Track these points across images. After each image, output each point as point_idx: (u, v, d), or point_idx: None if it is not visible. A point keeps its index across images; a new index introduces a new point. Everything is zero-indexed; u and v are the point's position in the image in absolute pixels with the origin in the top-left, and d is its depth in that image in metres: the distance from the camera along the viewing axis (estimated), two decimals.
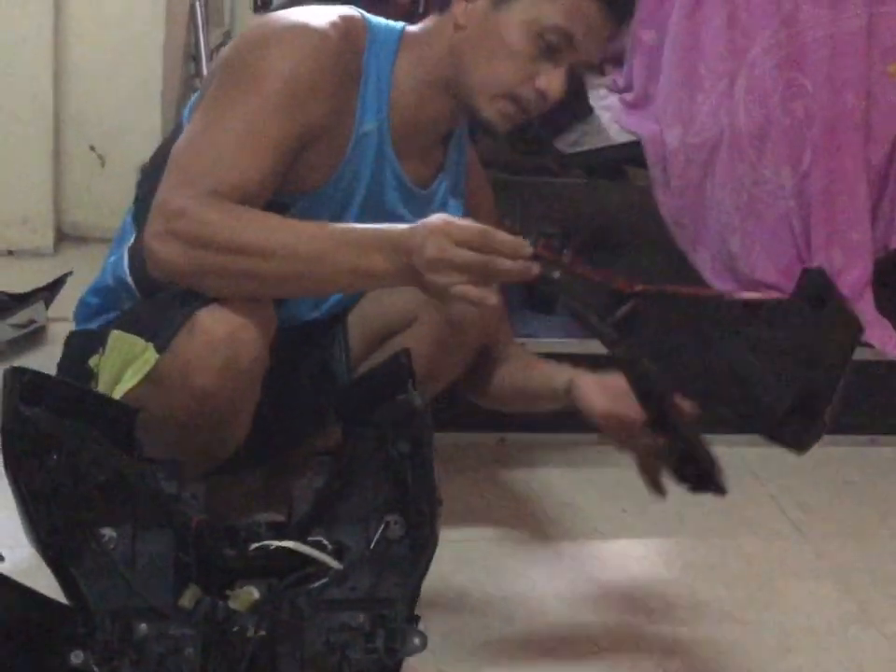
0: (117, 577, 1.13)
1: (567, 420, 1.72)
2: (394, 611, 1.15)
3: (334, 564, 1.18)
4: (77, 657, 1.09)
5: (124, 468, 1.17)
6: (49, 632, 1.13)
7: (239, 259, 1.20)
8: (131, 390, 1.30)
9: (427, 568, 1.18)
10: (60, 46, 2.30)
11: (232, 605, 1.15)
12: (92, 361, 1.40)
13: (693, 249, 2.20)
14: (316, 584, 1.16)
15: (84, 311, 1.52)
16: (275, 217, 1.23)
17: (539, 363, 1.60)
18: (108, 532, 1.15)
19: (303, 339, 1.49)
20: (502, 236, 1.16)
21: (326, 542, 1.20)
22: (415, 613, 1.16)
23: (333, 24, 1.33)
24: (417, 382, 1.42)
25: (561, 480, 1.87)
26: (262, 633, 1.11)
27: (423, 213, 1.32)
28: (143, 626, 1.11)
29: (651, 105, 2.20)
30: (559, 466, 1.92)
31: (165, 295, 1.32)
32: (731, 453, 1.96)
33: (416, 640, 1.14)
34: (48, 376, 1.19)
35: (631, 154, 2.22)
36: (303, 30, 1.30)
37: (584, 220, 2.27)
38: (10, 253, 2.38)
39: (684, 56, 2.10)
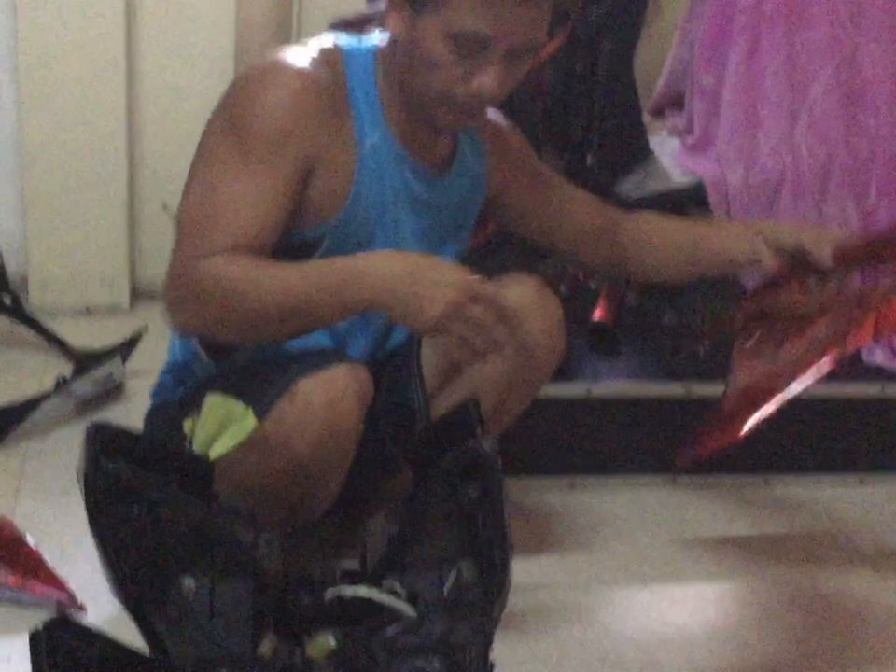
0: (197, 626, 1.15)
1: (637, 461, 1.73)
2: (468, 657, 1.15)
3: (408, 610, 1.19)
4: None
5: (203, 518, 1.20)
6: None
7: (242, 316, 1.25)
8: (226, 453, 1.34)
9: (500, 614, 1.18)
10: (133, 105, 2.37)
11: (310, 653, 1.16)
12: (187, 425, 1.44)
13: None
14: (391, 631, 1.17)
15: (161, 389, 1.57)
16: (266, 270, 1.25)
17: (701, 229, 1.62)
18: (188, 582, 1.17)
19: (377, 375, 1.51)
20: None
21: (399, 589, 1.22)
22: (489, 659, 1.17)
23: (312, 61, 1.36)
24: (492, 413, 1.45)
25: (632, 522, 1.87)
26: None
27: (455, 192, 1.47)
28: None
29: (711, 147, 2.21)
30: (629, 508, 1.91)
31: (265, 360, 1.38)
32: (804, 493, 1.97)
33: None
34: (127, 431, 1.23)
35: (694, 196, 2.22)
36: (284, 74, 1.33)
37: None
38: (88, 311, 2.44)
39: (744, 97, 2.11)
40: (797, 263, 1.49)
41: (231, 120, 1.32)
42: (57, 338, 2.20)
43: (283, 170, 1.30)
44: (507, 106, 2.13)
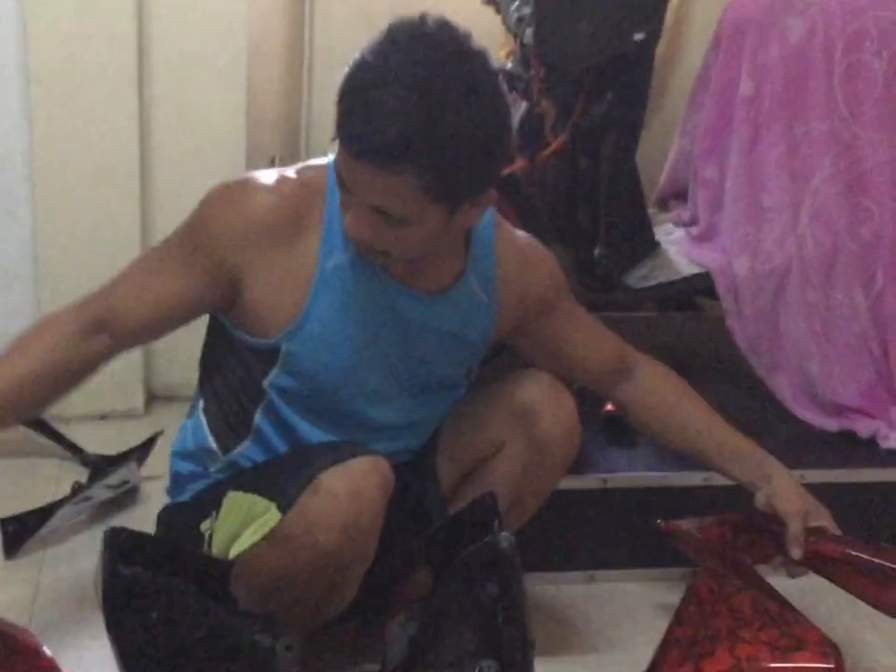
0: None
1: (657, 553, 1.72)
2: None
3: None
4: None
5: (221, 622, 1.19)
6: None
7: None
8: (250, 548, 1.34)
9: None
10: (147, 226, 2.40)
11: None
12: (204, 525, 1.45)
13: (771, 376, 2.19)
14: None
15: (176, 483, 1.59)
16: (24, 359, 1.37)
17: (723, 433, 1.65)
18: None
19: (395, 477, 1.52)
20: None
21: None
22: None
23: (288, 179, 1.41)
24: (509, 508, 1.44)
25: (653, 616, 1.84)
26: None
27: (450, 314, 1.46)
28: None
29: (717, 237, 2.23)
30: (650, 601, 1.89)
31: (285, 456, 1.41)
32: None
33: None
34: (143, 534, 1.23)
35: (701, 285, 2.24)
36: (247, 193, 1.39)
37: (659, 354, 2.28)
38: (103, 417, 2.45)
39: (747, 189, 2.14)
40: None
41: (188, 220, 1.42)
42: (72, 444, 2.21)
43: (192, 279, 1.38)
44: (512, 204, 2.17)
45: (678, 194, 2.44)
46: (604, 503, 1.91)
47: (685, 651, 1.52)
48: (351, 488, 1.30)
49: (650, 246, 2.31)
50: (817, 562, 1.60)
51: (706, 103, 2.26)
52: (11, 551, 1.89)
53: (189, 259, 1.38)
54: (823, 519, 1.59)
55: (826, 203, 2.08)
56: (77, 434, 2.24)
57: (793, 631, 1.52)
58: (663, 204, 2.51)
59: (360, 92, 1.23)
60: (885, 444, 2.07)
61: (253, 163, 2.34)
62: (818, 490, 1.96)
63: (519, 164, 2.14)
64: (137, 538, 1.20)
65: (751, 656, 1.49)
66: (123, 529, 1.18)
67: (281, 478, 1.37)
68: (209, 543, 1.42)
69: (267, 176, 1.41)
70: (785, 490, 1.58)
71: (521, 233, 1.59)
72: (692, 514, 1.81)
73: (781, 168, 2.09)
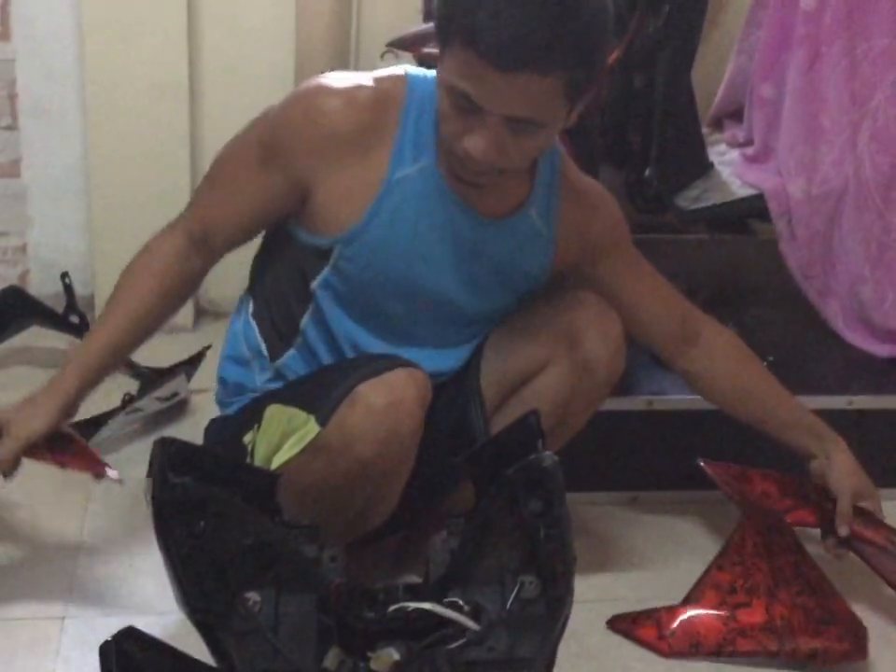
0: (262, 639, 1.17)
1: (700, 475, 1.72)
2: (533, 670, 1.15)
3: (471, 625, 1.20)
4: None
5: (267, 532, 1.22)
6: None
7: None
8: (290, 460, 1.36)
9: (563, 628, 1.18)
10: (196, 127, 2.40)
11: (374, 666, 1.17)
12: (247, 438, 1.47)
13: (822, 301, 2.17)
14: (455, 645, 1.17)
15: (224, 390, 1.61)
16: (118, 302, 1.47)
17: (786, 404, 1.65)
18: (253, 596, 1.19)
19: (437, 395, 1.52)
20: None
21: (462, 603, 1.23)
22: None
23: (365, 87, 1.40)
24: (552, 428, 1.45)
25: (696, 538, 1.85)
26: None
27: (506, 240, 1.44)
28: None
29: (772, 159, 2.19)
30: (693, 523, 1.90)
31: (324, 370, 1.43)
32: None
33: None
34: (194, 445, 1.25)
35: (754, 208, 2.20)
36: (323, 96, 1.39)
37: (710, 276, 2.26)
38: None
39: (805, 108, 2.09)
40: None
41: (264, 118, 1.43)
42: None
43: (270, 180, 1.41)
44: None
45: (733, 114, 2.39)
46: (649, 425, 1.91)
47: (723, 595, 1.55)
48: (389, 400, 1.31)
49: (702, 167, 2.27)
50: (858, 544, 1.61)
51: (765, 20, 2.20)
52: None
53: (266, 163, 1.40)
54: (874, 501, 1.60)
55: (886, 124, 2.03)
56: None
57: (828, 603, 1.54)
58: (717, 124, 2.46)
59: (491, 2, 1.19)
60: None
61: (301, 80, 2.32)
62: (867, 417, 1.95)
63: None
64: (187, 448, 1.22)
65: (784, 617, 1.52)
66: (174, 440, 1.20)
67: (320, 390, 1.37)
68: (252, 455, 1.44)
69: (344, 82, 1.40)
70: (842, 465, 1.59)
71: (587, 176, 1.57)
72: (735, 440, 1.81)
73: (841, 87, 2.04)
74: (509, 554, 1.24)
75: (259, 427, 1.44)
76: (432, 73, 1.39)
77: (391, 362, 1.37)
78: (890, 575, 1.62)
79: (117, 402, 2.01)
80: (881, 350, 2.11)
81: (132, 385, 2.11)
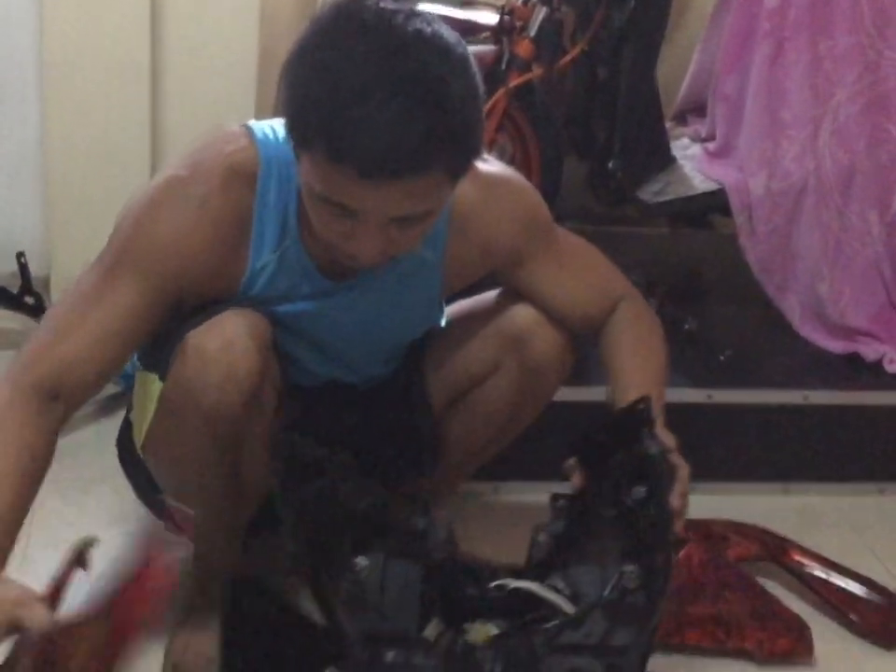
0: (368, 604, 1.18)
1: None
2: (627, 660, 1.15)
3: (569, 608, 1.21)
4: None
5: (380, 500, 1.25)
6: (307, 648, 1.21)
7: None
8: (152, 427, 1.32)
9: (659, 621, 1.18)
10: (157, 106, 2.37)
11: (471, 639, 1.18)
12: (131, 415, 1.44)
13: (780, 296, 2.18)
14: (552, 627, 1.16)
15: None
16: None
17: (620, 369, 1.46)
18: (362, 561, 1.20)
19: (383, 395, 1.51)
20: None
21: (562, 587, 1.24)
22: (647, 667, 1.16)
23: (212, 181, 1.25)
24: (501, 427, 1.48)
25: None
26: (498, 669, 1.13)
27: (381, 293, 1.35)
28: (390, 653, 1.14)
29: (734, 153, 2.20)
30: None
31: (169, 329, 1.31)
32: (826, 502, 1.96)
33: None
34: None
35: (715, 202, 2.22)
36: (175, 207, 1.25)
37: (669, 270, 2.28)
38: None
39: (768, 103, 2.11)
40: None
41: (115, 235, 1.28)
42: None
43: (142, 289, 1.25)
44: (528, 113, 2.14)
45: (696, 109, 2.41)
46: None
47: (671, 594, 1.55)
48: (219, 343, 1.24)
49: (665, 161, 2.29)
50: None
51: (729, 16, 2.21)
52: None
53: (126, 287, 1.25)
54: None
55: (846, 121, 2.05)
56: None
57: (772, 605, 1.58)
58: (681, 119, 2.47)
59: (352, 110, 1.07)
60: (891, 368, 2.07)
61: (265, 64, 2.31)
62: (822, 412, 1.97)
63: (536, 72, 2.10)
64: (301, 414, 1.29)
65: (731, 611, 1.54)
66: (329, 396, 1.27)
67: (163, 348, 1.31)
68: (133, 430, 1.40)
69: (184, 182, 1.26)
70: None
71: (487, 168, 1.38)
72: (693, 431, 1.81)
73: (803, 83, 2.05)
74: (611, 542, 1.24)
75: (132, 401, 1.42)
76: (279, 129, 1.26)
77: (224, 307, 1.29)
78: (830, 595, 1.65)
79: None
80: (836, 346, 2.13)
81: None
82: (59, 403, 1.21)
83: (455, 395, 1.54)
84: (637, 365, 1.44)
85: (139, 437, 1.37)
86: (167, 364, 1.29)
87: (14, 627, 1.01)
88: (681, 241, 2.37)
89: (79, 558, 1.09)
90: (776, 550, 1.70)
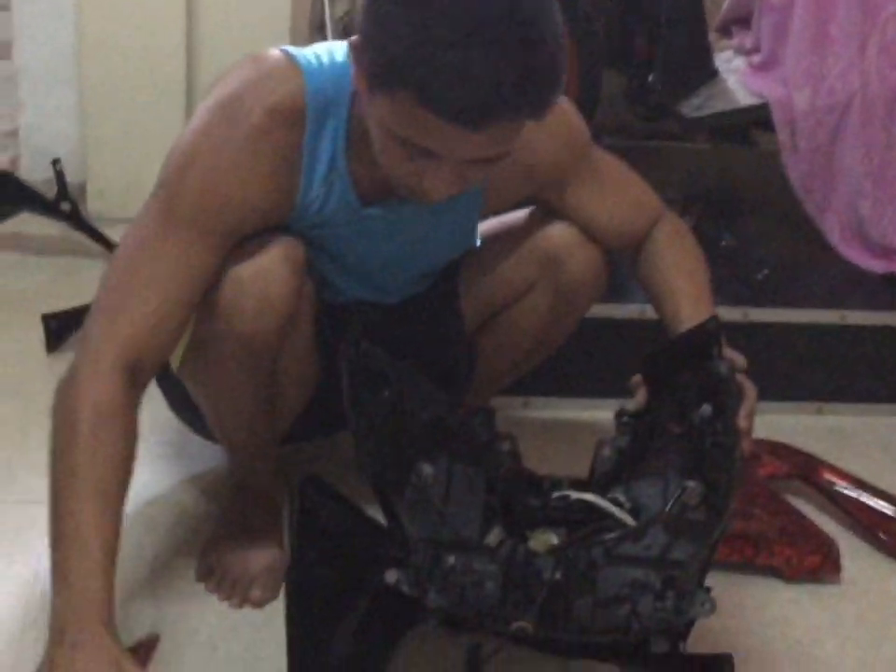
0: (431, 509, 1.19)
1: None
2: (685, 574, 1.15)
3: (629, 521, 1.22)
4: (391, 576, 1.16)
5: (446, 411, 1.27)
6: (370, 549, 1.24)
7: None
8: (188, 350, 1.32)
9: (721, 537, 1.18)
10: (193, 10, 2.35)
11: (532, 548, 1.19)
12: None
13: (820, 215, 2.16)
14: (612, 538, 1.17)
15: None
16: (70, 494, 1.10)
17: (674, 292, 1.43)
18: (426, 468, 1.21)
19: (415, 311, 1.50)
20: None
21: (623, 500, 1.26)
22: (705, 582, 1.17)
23: (258, 122, 1.21)
24: (533, 347, 1.48)
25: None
26: (558, 577, 1.14)
27: (419, 214, 1.32)
28: (451, 558, 1.16)
29: (779, 68, 2.16)
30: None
31: None
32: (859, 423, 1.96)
33: (706, 605, 1.14)
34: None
35: (758, 117, 2.18)
36: (227, 138, 1.21)
37: (709, 186, 2.25)
38: None
39: (815, 17, 2.06)
40: None
41: (164, 187, 1.24)
42: (114, 246, 2.23)
43: (205, 244, 1.22)
44: (569, 25, 2.10)
45: (742, 20, 2.35)
46: (642, 332, 1.91)
47: None
48: (254, 270, 1.24)
49: (707, 74, 2.24)
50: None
51: None
52: (53, 346, 1.94)
53: (186, 246, 1.22)
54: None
55: (894, 38, 2.00)
56: (118, 236, 2.25)
57: (801, 522, 1.58)
58: (725, 31, 2.42)
59: (447, 55, 1.03)
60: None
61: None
62: (859, 332, 1.96)
63: None
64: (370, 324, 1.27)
65: (760, 529, 1.55)
66: (367, 313, 1.26)
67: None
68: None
69: (229, 126, 1.22)
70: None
71: None
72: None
73: None
74: (675, 459, 1.25)
75: None
76: (326, 52, 1.25)
77: (263, 240, 1.28)
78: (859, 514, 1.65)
79: None
80: (876, 266, 2.11)
81: None
82: (139, 379, 1.20)
83: (489, 313, 1.54)
84: (686, 281, 1.43)
85: (175, 357, 1.38)
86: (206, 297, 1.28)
87: None
88: (721, 157, 2.34)
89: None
90: (806, 468, 1.70)
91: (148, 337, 1.19)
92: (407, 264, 1.44)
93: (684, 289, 1.42)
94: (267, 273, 1.25)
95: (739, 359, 1.29)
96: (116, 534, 1.11)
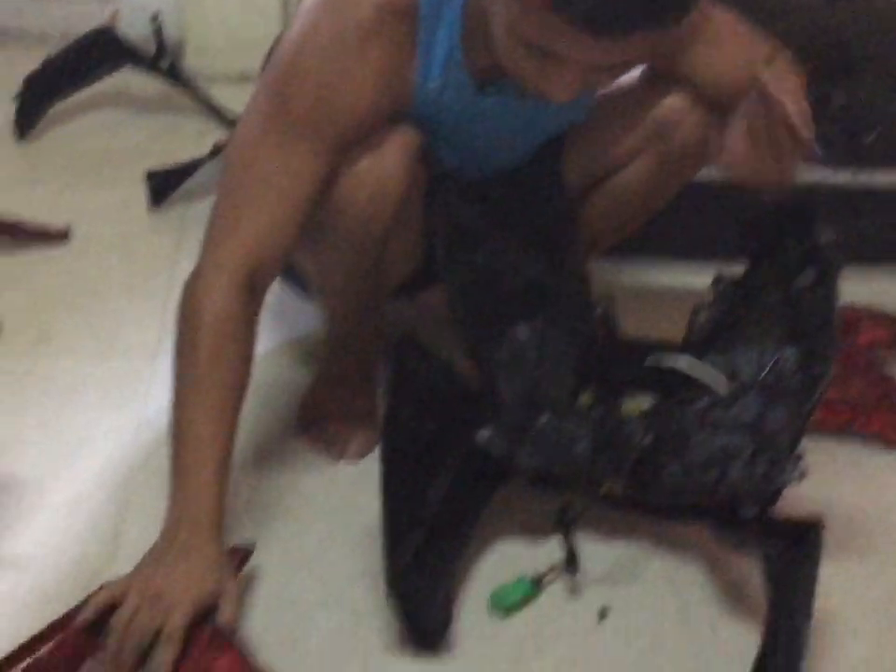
0: (524, 371, 1.22)
1: None
2: (777, 442, 1.16)
3: (723, 388, 1.22)
4: (483, 435, 1.20)
5: (542, 274, 1.27)
6: (464, 408, 1.26)
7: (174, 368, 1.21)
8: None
9: (816, 404, 1.19)
10: None
11: (624, 410, 1.22)
12: None
13: None
14: (705, 404, 1.19)
15: None
16: (197, 400, 1.17)
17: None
18: (521, 330, 1.24)
19: (519, 181, 1.48)
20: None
21: (718, 367, 1.25)
22: (798, 450, 1.17)
23: (376, 9, 1.20)
24: (633, 214, 1.47)
25: None
26: (648, 441, 1.16)
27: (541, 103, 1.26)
28: (543, 419, 1.18)
29: None
30: None
31: None
32: None
33: (797, 472, 1.15)
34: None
35: None
36: (339, 29, 1.20)
37: (822, 42, 2.15)
38: (243, 77, 2.42)
39: None
40: None
41: (274, 95, 1.23)
42: (213, 103, 2.23)
43: (316, 156, 1.22)
44: None
45: None
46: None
47: None
48: (370, 160, 1.24)
49: None
50: None
51: None
52: (157, 200, 1.97)
53: (296, 151, 1.22)
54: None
55: None
56: (218, 93, 2.26)
57: None
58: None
59: None
60: None
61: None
62: None
63: None
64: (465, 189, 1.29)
65: (859, 395, 1.53)
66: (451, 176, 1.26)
67: None
68: None
69: (337, 24, 1.20)
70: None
71: None
72: (837, 211, 1.76)
73: None
74: (772, 326, 1.24)
75: None
76: None
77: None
78: None
79: (206, 150, 2.02)
80: None
81: (222, 134, 2.11)
82: (259, 286, 1.23)
83: (592, 180, 1.51)
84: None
85: None
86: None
87: (205, 612, 1.08)
88: (837, 10, 2.22)
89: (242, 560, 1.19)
90: None
91: (268, 245, 1.22)
92: (519, 143, 1.43)
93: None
94: (382, 163, 1.26)
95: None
96: (230, 449, 1.18)
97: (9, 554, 1.26)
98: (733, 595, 1.25)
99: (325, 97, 1.21)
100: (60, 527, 1.30)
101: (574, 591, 1.25)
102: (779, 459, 1.14)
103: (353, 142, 1.24)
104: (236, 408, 1.20)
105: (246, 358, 1.21)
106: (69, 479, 1.37)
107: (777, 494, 1.18)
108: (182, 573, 1.09)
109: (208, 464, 1.15)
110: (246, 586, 1.22)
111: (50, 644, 1.06)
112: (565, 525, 1.25)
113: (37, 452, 1.41)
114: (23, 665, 1.04)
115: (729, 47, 1.40)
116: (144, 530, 1.19)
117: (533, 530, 1.32)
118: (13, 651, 1.06)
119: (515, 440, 1.19)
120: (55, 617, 1.08)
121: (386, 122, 1.27)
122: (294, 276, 1.47)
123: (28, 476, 1.36)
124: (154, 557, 1.12)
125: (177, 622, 1.06)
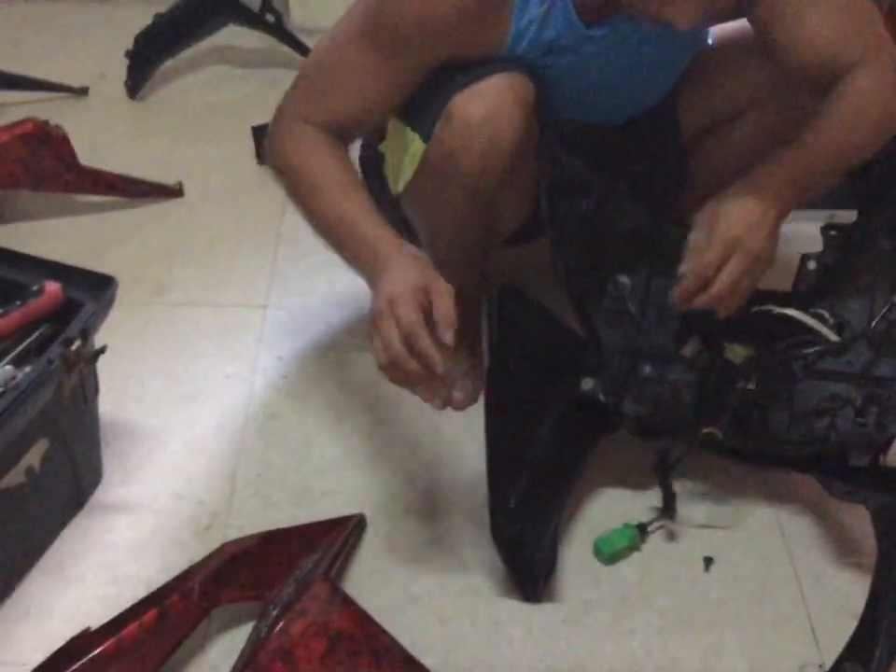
0: (628, 320, 1.23)
1: None
2: (889, 391, 1.16)
3: (832, 336, 1.21)
4: (587, 384, 1.22)
5: (646, 223, 1.27)
6: (567, 358, 1.28)
7: (298, 207, 1.27)
8: (411, 184, 1.35)
9: None
10: None
11: (728, 356, 1.21)
12: (382, 146, 1.46)
13: None
14: (813, 353, 1.18)
15: None
16: (328, 184, 1.23)
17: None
18: (625, 280, 1.25)
19: (631, 127, 1.46)
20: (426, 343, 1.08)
21: (827, 316, 1.24)
22: None
23: None
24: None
25: None
26: (752, 386, 1.17)
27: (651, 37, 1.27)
28: (647, 367, 1.20)
29: None
30: None
31: (433, 79, 1.30)
32: None
33: None
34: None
35: None
36: None
37: None
38: None
39: None
40: None
41: (367, 16, 1.25)
42: None
43: (404, 69, 1.26)
44: None
45: None
46: None
47: None
48: (484, 112, 1.25)
49: None
50: None
51: None
52: (263, 156, 1.99)
53: (387, 58, 1.25)
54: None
55: None
56: None
57: None
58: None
59: None
60: None
61: None
62: None
63: None
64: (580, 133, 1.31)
65: None
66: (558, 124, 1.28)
67: (423, 104, 1.31)
68: (386, 163, 1.44)
69: None
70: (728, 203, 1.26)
71: None
72: None
73: None
74: (883, 275, 1.23)
75: (386, 137, 1.43)
76: None
77: (488, 68, 1.28)
78: None
79: None
80: None
81: None
82: (342, 139, 1.29)
83: (707, 125, 1.48)
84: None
85: (395, 186, 1.41)
86: (430, 125, 1.30)
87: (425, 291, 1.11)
88: None
89: None
90: None
91: (351, 121, 1.28)
92: (634, 86, 1.39)
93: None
94: (496, 116, 1.26)
95: None
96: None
97: (131, 499, 1.31)
98: (841, 545, 1.25)
99: (416, 23, 1.22)
100: (178, 473, 1.35)
101: (678, 539, 1.26)
102: (891, 409, 1.12)
103: (442, 59, 1.26)
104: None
105: (346, 156, 1.27)
106: (187, 426, 1.42)
107: (888, 442, 1.16)
108: (399, 275, 1.12)
109: (364, 202, 1.21)
110: (357, 535, 1.26)
111: (175, 595, 1.09)
112: (663, 469, 1.25)
113: (156, 400, 1.46)
114: (154, 611, 1.08)
115: (829, 15, 1.28)
116: (258, 475, 1.22)
117: (636, 480, 1.32)
118: (141, 600, 1.10)
119: (619, 389, 1.19)
120: (175, 559, 1.12)
121: (497, 62, 1.27)
122: (398, 220, 1.49)
123: (147, 423, 1.41)
124: (375, 295, 1.14)
125: (432, 284, 1.10)
